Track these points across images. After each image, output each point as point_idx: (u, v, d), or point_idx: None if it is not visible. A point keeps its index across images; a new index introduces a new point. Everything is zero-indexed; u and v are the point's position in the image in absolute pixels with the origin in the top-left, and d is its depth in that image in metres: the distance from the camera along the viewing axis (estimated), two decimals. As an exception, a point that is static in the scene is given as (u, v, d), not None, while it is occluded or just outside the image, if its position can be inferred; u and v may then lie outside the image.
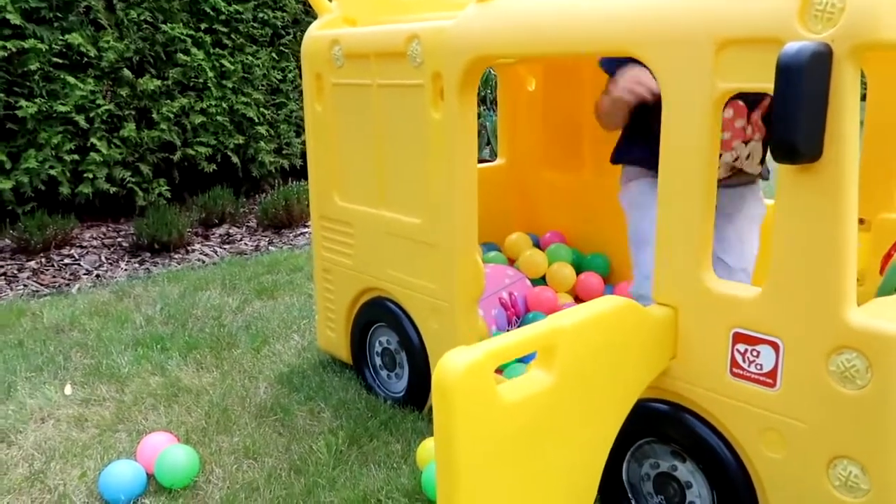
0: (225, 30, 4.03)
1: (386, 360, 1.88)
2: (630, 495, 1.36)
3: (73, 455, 1.61)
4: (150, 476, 1.49)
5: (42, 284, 2.87)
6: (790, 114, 0.96)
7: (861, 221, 1.71)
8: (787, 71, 0.95)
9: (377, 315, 1.85)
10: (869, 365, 1.00)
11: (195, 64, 3.86)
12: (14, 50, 3.29)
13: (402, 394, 1.83)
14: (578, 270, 2.22)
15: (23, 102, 3.34)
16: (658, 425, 1.27)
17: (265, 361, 2.09)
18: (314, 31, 1.88)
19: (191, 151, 3.92)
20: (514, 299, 2.02)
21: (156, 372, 2.01)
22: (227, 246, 3.46)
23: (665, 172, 1.19)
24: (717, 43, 1.08)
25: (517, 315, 2.01)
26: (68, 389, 1.93)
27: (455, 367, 0.93)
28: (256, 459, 1.58)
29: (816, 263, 1.03)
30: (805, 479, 1.09)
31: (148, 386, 1.94)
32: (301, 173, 4.57)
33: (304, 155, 3.76)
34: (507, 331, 1.74)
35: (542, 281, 2.20)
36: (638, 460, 1.33)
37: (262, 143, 4.25)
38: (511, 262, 2.27)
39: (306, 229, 3.68)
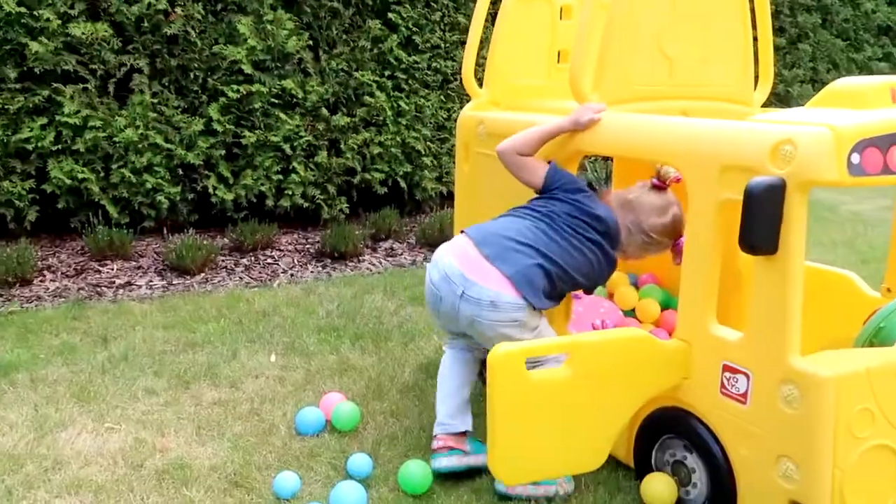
0: (404, 76, 4.81)
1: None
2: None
3: (278, 401, 2.35)
4: (327, 421, 2.19)
5: (252, 278, 3.74)
6: (751, 224, 1.47)
7: (888, 290, 2.10)
8: (751, 195, 1.46)
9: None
10: (801, 394, 1.48)
11: (378, 104, 4.65)
12: (244, 92, 4.23)
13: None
14: (665, 307, 2.70)
15: (246, 133, 4.27)
16: (676, 425, 1.78)
17: (411, 353, 2.75)
18: (467, 112, 2.52)
19: (368, 176, 4.72)
20: (605, 325, 2.55)
21: (333, 352, 2.74)
22: (390, 258, 4.21)
23: (688, 249, 1.71)
24: (721, 167, 1.60)
25: None
26: (273, 358, 2.70)
27: (498, 353, 1.54)
28: (398, 419, 2.24)
29: (773, 322, 1.52)
30: (761, 469, 1.58)
31: (327, 361, 2.66)
32: (449, 200, 5.26)
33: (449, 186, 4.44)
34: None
35: (632, 313, 2.71)
36: (662, 450, 1.84)
37: (426, 172, 4.99)
38: (610, 296, 2.79)
39: (455, 249, 4.35)
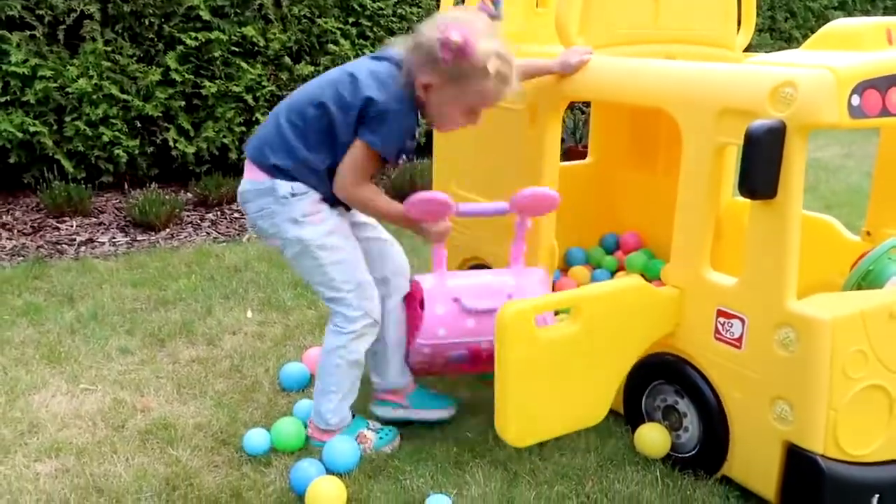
0: (368, 23, 4.66)
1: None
2: (646, 420, 1.88)
3: (258, 357, 2.30)
4: (312, 375, 2.15)
5: (219, 233, 3.64)
6: (751, 168, 1.45)
7: (868, 234, 2.13)
8: (751, 139, 1.44)
9: (477, 278, 2.43)
10: (798, 337, 1.49)
11: (342, 53, 4.51)
12: (203, 40, 4.05)
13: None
14: (652, 275, 2.63)
15: (206, 83, 4.11)
16: (667, 371, 1.79)
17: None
18: (445, 58, 2.44)
19: (333, 127, 4.61)
20: None
21: (310, 307, 2.69)
22: (359, 211, 4.13)
23: (682, 195, 1.69)
24: (719, 110, 1.57)
25: None
26: (249, 314, 2.64)
27: (507, 311, 1.51)
28: (383, 373, 2.21)
29: (770, 267, 1.52)
30: (755, 412, 1.60)
31: (305, 316, 2.61)
32: (423, 150, 5.18)
33: (427, 134, 4.35)
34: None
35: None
36: (652, 396, 1.86)
37: (392, 122, 4.88)
38: (564, 271, 2.73)
39: (426, 201, 4.29)
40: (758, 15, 8.52)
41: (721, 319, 1.64)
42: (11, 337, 2.40)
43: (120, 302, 2.70)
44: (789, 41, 8.87)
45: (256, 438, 1.78)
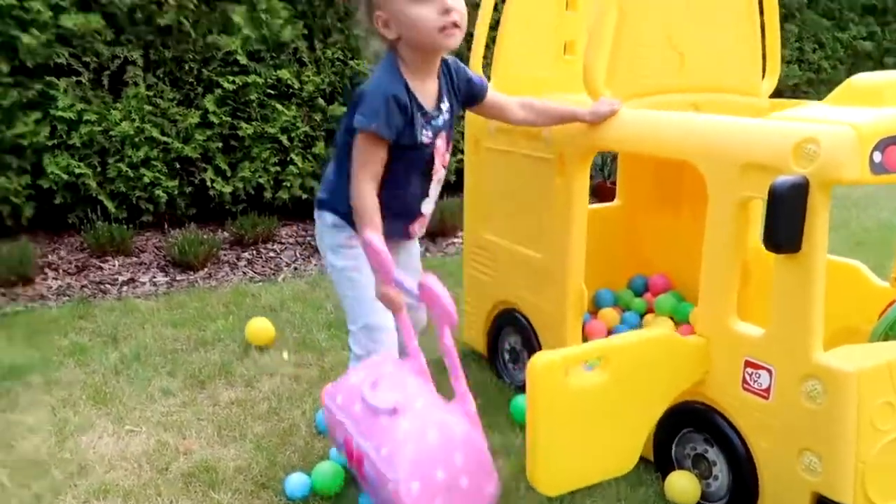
0: (399, 64, 4.78)
1: (512, 355, 2.51)
2: (676, 468, 1.90)
3: (295, 400, 2.36)
4: (346, 418, 2.20)
5: (255, 272, 3.74)
6: (775, 223, 1.49)
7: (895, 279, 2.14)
8: (775, 195, 1.48)
9: (508, 321, 2.48)
10: (824, 389, 1.52)
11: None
12: (240, 84, 4.19)
13: (522, 383, 2.45)
14: (681, 318, 2.66)
15: (243, 125, 4.25)
16: (696, 420, 1.82)
17: (423, 344, 2.77)
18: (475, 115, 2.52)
19: (365, 165, 4.71)
20: None
21: (344, 348, 2.74)
22: (391, 248, 4.21)
23: (708, 247, 1.73)
24: (742, 165, 1.62)
25: None
26: (285, 355, 2.71)
27: (539, 362, 1.56)
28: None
29: (795, 319, 1.55)
30: (783, 462, 1.61)
31: (340, 357, 2.67)
32: (454, 188, 5.26)
33: (457, 172, 4.43)
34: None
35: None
36: (682, 444, 1.88)
37: (423, 160, 4.98)
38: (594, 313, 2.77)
39: (457, 240, 4.36)
40: (786, 46, 8.56)
41: (749, 370, 1.67)
42: (59, 377, 2.50)
43: (161, 342, 2.80)
44: (818, 72, 8.87)
45: (297, 482, 1.83)
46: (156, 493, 1.87)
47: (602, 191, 4.73)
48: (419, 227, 2.01)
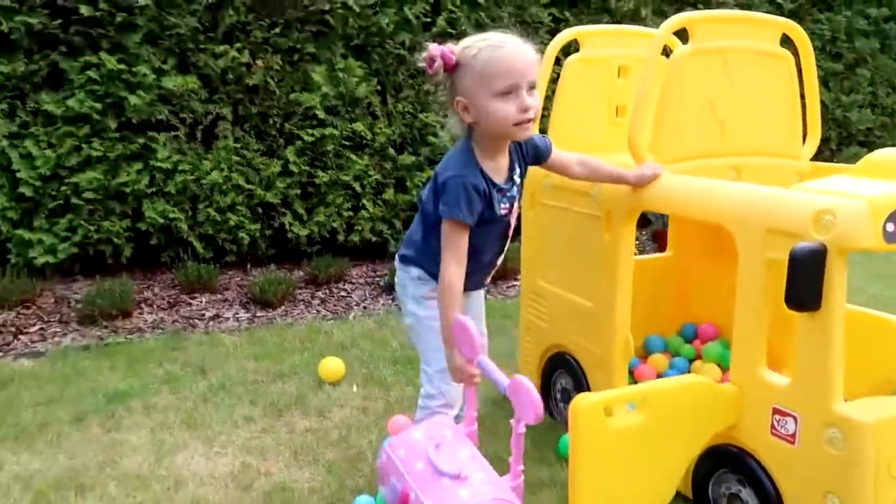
0: (465, 116, 5.07)
1: (564, 395, 2.68)
2: (713, 506, 2.05)
3: (363, 430, 2.60)
4: (409, 449, 2.42)
5: (328, 310, 4.03)
6: (796, 284, 1.66)
7: (934, 336, 2.24)
8: (795, 259, 1.65)
9: (560, 364, 2.66)
10: (844, 437, 1.66)
11: (441, 144, 4.92)
12: (318, 136, 4.54)
13: (572, 421, 2.62)
14: (728, 366, 2.77)
15: (320, 173, 4.59)
16: (731, 461, 1.96)
17: (483, 381, 2.97)
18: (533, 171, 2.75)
19: (432, 211, 4.99)
20: None
21: (408, 384, 2.98)
22: (454, 290, 4.44)
23: (740, 302, 1.90)
24: (768, 231, 1.79)
25: None
26: (354, 388, 2.96)
27: (581, 403, 1.74)
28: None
29: (817, 370, 1.70)
30: (811, 502, 1.75)
31: (404, 392, 2.90)
32: (514, 234, 5.48)
33: (518, 217, 4.64)
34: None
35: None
36: (718, 483, 2.02)
37: (486, 206, 5.23)
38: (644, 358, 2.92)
39: (516, 282, 4.56)
40: (858, 91, 8.53)
41: (776, 416, 1.82)
42: (156, 403, 2.80)
43: (243, 374, 3.09)
44: (892, 116, 8.79)
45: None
46: (241, 507, 2.13)
47: (660, 237, 4.87)
48: (489, 277, 2.25)
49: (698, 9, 7.93)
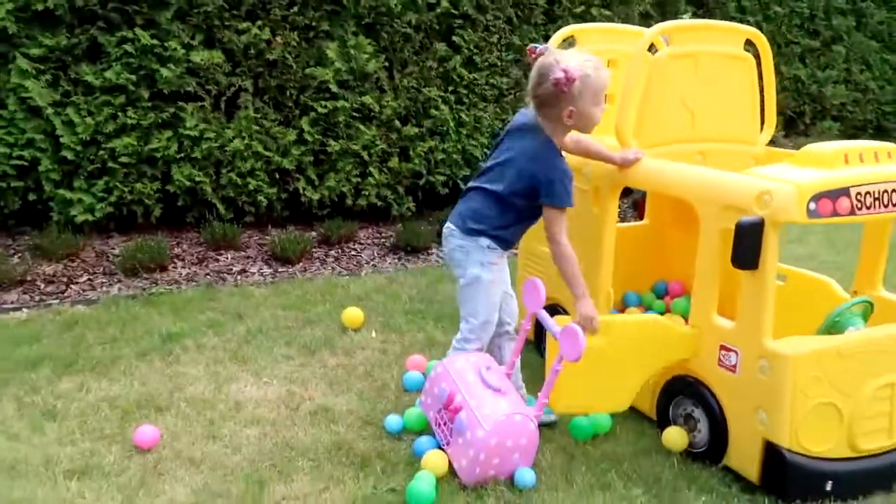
0: (465, 91, 5.49)
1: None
2: (672, 424, 2.56)
3: (384, 366, 3.08)
4: (424, 378, 2.91)
5: (342, 268, 4.49)
6: (740, 249, 2.14)
7: (855, 292, 2.75)
8: (740, 229, 2.14)
9: (552, 314, 3.15)
10: (771, 366, 2.16)
11: (442, 116, 5.35)
12: (330, 108, 4.95)
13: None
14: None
15: (331, 142, 5.01)
16: (687, 388, 2.47)
17: (482, 333, 3.46)
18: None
19: (432, 179, 5.43)
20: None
21: (420, 331, 3.47)
22: (453, 251, 4.91)
23: (699, 263, 2.39)
24: (723, 207, 2.27)
25: None
26: (373, 334, 3.44)
27: (562, 323, 2.24)
28: (478, 382, 2.95)
29: (755, 315, 2.20)
30: (745, 418, 2.26)
31: (416, 338, 3.39)
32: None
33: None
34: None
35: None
36: (676, 406, 2.54)
37: (482, 175, 5.68)
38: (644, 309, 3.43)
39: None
40: (833, 68, 9.00)
41: (723, 352, 2.32)
42: (205, 343, 3.27)
43: (276, 320, 3.55)
44: (864, 92, 9.30)
45: (393, 421, 2.55)
46: (292, 423, 2.61)
47: (640, 205, 5.36)
48: None
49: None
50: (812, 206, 2.11)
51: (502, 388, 2.34)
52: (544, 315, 2.40)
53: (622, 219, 5.60)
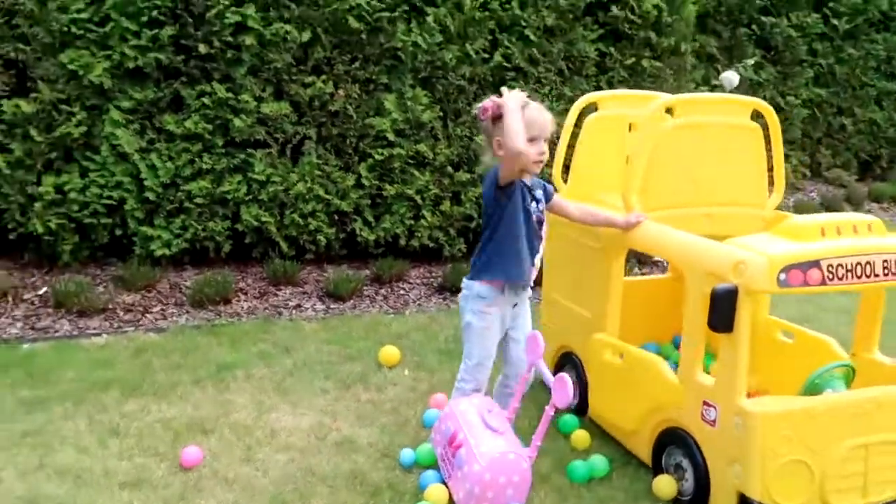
0: (516, 139, 5.77)
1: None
2: (664, 472, 2.73)
3: (410, 403, 3.36)
4: (444, 419, 3.18)
5: (389, 306, 4.82)
6: (716, 313, 2.33)
7: (854, 354, 2.86)
8: (716, 296, 2.33)
9: (566, 361, 3.37)
10: (743, 423, 2.33)
11: (485, 164, 5.64)
12: (387, 154, 5.33)
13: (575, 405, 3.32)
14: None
15: (387, 186, 5.37)
16: (677, 440, 2.65)
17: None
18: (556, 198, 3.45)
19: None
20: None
21: (449, 370, 3.73)
22: (497, 293, 5.17)
23: (686, 323, 2.58)
24: (705, 273, 2.47)
25: None
26: (406, 372, 3.73)
27: (595, 340, 2.47)
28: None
29: (730, 377, 2.38)
30: (723, 470, 2.43)
31: (445, 376, 3.66)
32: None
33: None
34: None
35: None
36: (668, 456, 2.71)
37: (531, 218, 5.93)
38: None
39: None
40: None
41: (705, 407, 2.50)
42: (254, 373, 3.64)
43: (320, 354, 3.90)
44: None
45: (407, 454, 2.83)
46: (317, 451, 2.93)
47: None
48: (531, 279, 2.89)
49: (736, 35, 8.39)
50: (782, 276, 2.28)
51: (500, 428, 2.58)
52: (542, 365, 2.63)
53: (629, 270, 5.72)
